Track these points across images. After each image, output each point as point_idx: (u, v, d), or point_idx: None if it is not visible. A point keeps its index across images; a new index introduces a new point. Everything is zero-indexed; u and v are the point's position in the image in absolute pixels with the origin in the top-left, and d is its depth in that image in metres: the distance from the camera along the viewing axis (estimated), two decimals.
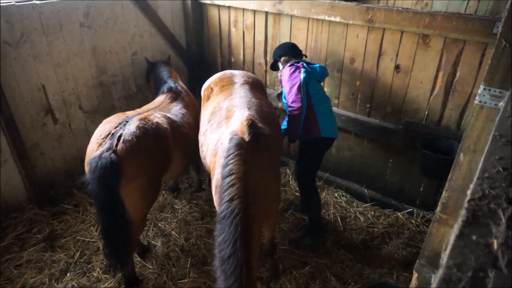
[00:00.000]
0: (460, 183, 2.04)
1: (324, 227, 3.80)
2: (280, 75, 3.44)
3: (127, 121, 2.86)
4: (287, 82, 3.25)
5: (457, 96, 3.31)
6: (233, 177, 2.17)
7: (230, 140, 2.37)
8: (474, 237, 0.78)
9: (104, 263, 3.33)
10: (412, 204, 3.97)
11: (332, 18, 3.71)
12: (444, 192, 2.21)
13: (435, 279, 0.81)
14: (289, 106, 3.23)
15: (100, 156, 2.60)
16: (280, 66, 3.54)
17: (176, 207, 4.20)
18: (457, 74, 3.25)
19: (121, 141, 2.68)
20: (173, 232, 3.80)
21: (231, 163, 2.22)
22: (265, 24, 4.36)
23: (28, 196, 3.95)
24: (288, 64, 3.37)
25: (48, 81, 3.85)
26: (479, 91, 1.83)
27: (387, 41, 3.53)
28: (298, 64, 3.33)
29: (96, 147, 2.74)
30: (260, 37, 4.48)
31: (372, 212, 4.05)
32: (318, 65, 3.44)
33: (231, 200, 2.09)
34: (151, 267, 3.41)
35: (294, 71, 3.26)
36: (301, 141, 3.50)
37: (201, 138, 3.07)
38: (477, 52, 3.07)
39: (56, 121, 4.03)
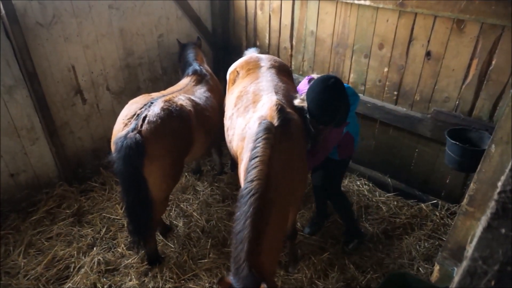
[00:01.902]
0: (490, 175, 1.97)
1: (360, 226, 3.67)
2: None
3: (152, 103, 2.91)
4: (334, 138, 2.95)
5: (492, 86, 3.15)
6: (257, 159, 2.20)
7: (259, 125, 2.37)
8: (503, 230, 0.76)
9: (128, 240, 3.45)
10: (437, 196, 3.87)
11: (362, 2, 3.59)
12: (472, 184, 2.15)
13: (458, 271, 0.79)
14: (327, 151, 2.98)
15: (125, 136, 2.67)
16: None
17: (198, 189, 4.27)
18: (493, 62, 3.08)
19: (146, 122, 2.73)
20: (194, 213, 3.88)
21: (258, 146, 2.25)
22: (292, 8, 4.27)
23: (58, 173, 4.12)
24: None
25: (77, 62, 3.94)
26: None
27: (418, 26, 3.38)
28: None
29: (122, 127, 2.81)
30: (286, 20, 4.40)
31: (395, 202, 3.98)
32: (353, 97, 2.98)
33: (251, 181, 2.13)
34: (172, 246, 3.51)
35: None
36: (334, 161, 3.19)
37: (227, 122, 3.08)
38: None
39: (85, 101, 4.15)
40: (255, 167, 2.17)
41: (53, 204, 3.90)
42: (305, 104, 2.68)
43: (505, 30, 2.93)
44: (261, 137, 2.28)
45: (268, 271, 2.02)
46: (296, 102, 2.77)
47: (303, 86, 2.99)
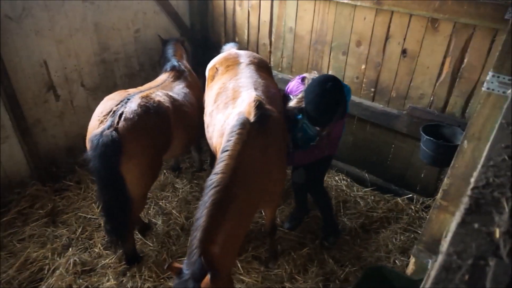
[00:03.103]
0: (463, 170, 2.03)
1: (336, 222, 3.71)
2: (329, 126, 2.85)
3: (128, 99, 2.84)
4: (339, 131, 3.08)
5: (464, 83, 3.26)
6: (226, 153, 2.24)
7: (236, 120, 2.38)
8: (476, 225, 0.78)
9: (106, 239, 3.38)
10: (413, 190, 3.98)
11: None
12: (446, 179, 2.21)
13: (434, 266, 0.81)
14: (334, 145, 3.12)
15: (101, 133, 2.60)
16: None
17: (177, 186, 4.22)
18: (465, 61, 3.18)
19: (122, 118, 2.67)
20: (173, 211, 3.84)
21: (230, 141, 2.28)
22: (270, 4, 4.26)
23: (31, 172, 3.98)
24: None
25: (50, 57, 3.80)
26: (487, 78, 1.80)
27: (395, 25, 3.45)
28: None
29: (97, 124, 2.73)
30: (265, 17, 4.39)
31: (372, 197, 4.06)
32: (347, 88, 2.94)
33: (216, 174, 2.18)
34: (151, 244, 3.46)
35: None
36: (324, 157, 3.19)
37: (206, 118, 3.06)
38: (487, 38, 3.00)
39: (58, 98, 4.01)
40: (222, 161, 2.22)
41: (25, 205, 3.77)
42: (302, 105, 2.71)
43: (476, 29, 3.03)
44: (234, 131, 2.30)
45: (220, 262, 2.05)
46: (292, 103, 2.78)
47: (296, 86, 2.95)
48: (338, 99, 2.58)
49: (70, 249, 3.35)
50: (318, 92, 2.55)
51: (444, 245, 0.79)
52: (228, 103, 2.76)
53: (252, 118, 2.37)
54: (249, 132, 2.31)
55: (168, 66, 3.76)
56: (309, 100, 2.61)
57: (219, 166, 2.21)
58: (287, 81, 4.35)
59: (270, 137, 2.45)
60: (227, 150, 2.25)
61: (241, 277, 3.14)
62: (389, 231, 3.63)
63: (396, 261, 3.33)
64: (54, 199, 3.88)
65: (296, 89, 2.94)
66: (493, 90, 1.79)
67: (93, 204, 3.84)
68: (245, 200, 2.24)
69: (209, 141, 3.02)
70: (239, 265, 3.23)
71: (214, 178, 2.17)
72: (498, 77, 1.74)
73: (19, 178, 3.91)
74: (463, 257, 0.70)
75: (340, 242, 3.53)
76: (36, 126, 3.91)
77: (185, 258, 2.11)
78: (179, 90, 3.46)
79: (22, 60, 3.60)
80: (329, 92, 2.52)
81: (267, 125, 2.42)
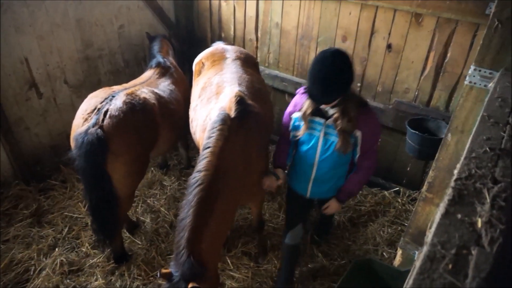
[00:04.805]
0: (447, 163, 2.07)
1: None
2: (358, 126, 2.33)
3: (113, 96, 2.80)
4: (377, 133, 2.52)
5: (447, 77, 3.31)
6: (208, 150, 2.23)
7: (217, 115, 2.37)
8: (459, 216, 0.79)
9: (93, 239, 3.33)
10: (399, 183, 4.04)
11: None
12: (430, 171, 2.25)
13: (419, 256, 0.83)
14: (374, 164, 2.55)
15: (86, 131, 2.55)
16: (352, 107, 2.30)
17: (165, 183, 4.19)
18: (448, 55, 3.23)
19: (107, 116, 2.63)
20: (162, 209, 3.81)
21: (211, 137, 2.27)
22: None
23: (14, 172, 3.89)
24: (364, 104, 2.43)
25: (31, 54, 3.71)
26: (469, 72, 1.83)
27: (379, 20, 3.48)
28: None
29: (82, 122, 2.68)
30: (251, 12, 4.37)
31: (360, 191, 4.11)
32: None
33: (199, 171, 2.17)
34: (140, 242, 3.43)
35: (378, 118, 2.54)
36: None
37: (191, 113, 3.05)
38: (469, 33, 3.06)
39: (41, 96, 3.92)
40: (205, 158, 2.21)
41: (8, 205, 3.68)
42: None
43: (458, 24, 3.08)
44: (215, 127, 2.29)
45: (208, 260, 2.07)
46: (298, 114, 2.48)
47: (299, 98, 2.56)
48: (341, 66, 2.11)
49: (57, 249, 3.30)
50: (315, 60, 2.16)
51: (429, 236, 0.81)
52: (211, 98, 2.76)
53: (232, 114, 2.36)
54: (230, 128, 2.30)
55: (153, 62, 3.72)
56: (309, 75, 2.18)
57: (201, 164, 2.20)
58: (274, 77, 4.38)
59: (251, 132, 2.43)
60: (209, 147, 2.24)
61: (231, 273, 3.15)
62: (377, 224, 3.68)
63: (384, 253, 3.38)
64: (39, 199, 3.81)
65: (299, 101, 2.53)
66: (475, 83, 1.82)
67: (80, 203, 3.79)
68: (229, 196, 2.24)
69: (193, 135, 3.02)
70: (229, 261, 3.23)
71: (197, 176, 2.16)
72: (480, 70, 1.78)
73: (1, 178, 3.82)
74: (447, 247, 0.72)
75: (328, 236, 3.56)
76: (18, 125, 3.82)
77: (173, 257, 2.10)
78: (164, 87, 3.43)
79: (1, 57, 3.50)
80: (326, 59, 2.10)
81: (247, 120, 2.40)
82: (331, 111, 2.34)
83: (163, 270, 2.01)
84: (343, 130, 2.29)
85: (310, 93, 2.23)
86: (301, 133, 2.46)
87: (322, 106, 2.32)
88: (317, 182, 2.58)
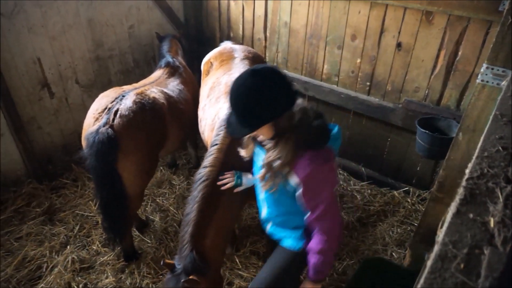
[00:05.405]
0: (458, 162, 2.05)
1: None
2: (295, 168, 1.79)
3: (123, 96, 2.83)
4: (324, 184, 1.83)
5: (458, 76, 3.27)
6: (215, 147, 2.25)
7: (226, 114, 2.38)
8: (471, 215, 0.79)
9: (103, 237, 3.37)
10: (409, 183, 4.00)
11: None
12: (441, 171, 2.23)
13: (430, 256, 0.82)
14: (332, 224, 1.94)
15: (97, 131, 2.59)
16: (283, 145, 1.78)
17: (174, 183, 4.22)
18: (459, 53, 3.19)
19: (117, 115, 2.66)
20: (171, 208, 3.84)
21: (219, 135, 2.29)
22: None
23: (27, 171, 3.96)
24: (311, 150, 1.80)
25: (43, 54, 3.77)
26: (481, 70, 1.80)
27: (389, 18, 3.45)
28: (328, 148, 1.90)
29: (92, 121, 2.72)
30: (260, 11, 4.37)
31: (369, 191, 4.08)
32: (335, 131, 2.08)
33: (205, 167, 2.20)
34: (149, 241, 3.46)
35: (331, 164, 1.86)
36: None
37: (200, 113, 3.07)
38: (481, 30, 3.01)
39: (53, 95, 3.98)
40: (211, 154, 2.23)
41: (22, 203, 3.75)
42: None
43: (470, 21, 3.03)
44: (223, 125, 2.30)
45: (211, 256, 2.08)
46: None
47: None
48: (262, 85, 1.63)
49: (68, 247, 3.35)
50: (235, 79, 1.75)
51: (440, 235, 0.80)
52: (220, 98, 2.78)
53: None
54: None
55: (162, 62, 3.75)
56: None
57: (208, 160, 2.22)
58: None
59: None
60: (216, 144, 2.26)
61: (240, 272, 3.16)
62: (386, 224, 3.66)
63: (393, 253, 3.36)
64: (50, 197, 3.87)
65: None
66: (487, 82, 1.80)
67: (90, 202, 3.83)
68: (234, 193, 2.25)
69: (201, 135, 3.04)
70: (237, 260, 3.25)
71: (203, 172, 2.18)
72: (492, 68, 1.75)
73: (14, 176, 3.89)
74: (458, 246, 0.71)
75: None
76: (31, 124, 3.89)
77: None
78: (173, 86, 3.45)
79: (15, 57, 3.57)
80: (249, 77, 1.66)
81: None
82: (267, 142, 1.88)
83: (167, 261, 2.04)
84: (269, 165, 1.81)
85: (227, 122, 1.86)
86: (245, 154, 2.08)
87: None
88: (271, 224, 2.21)
